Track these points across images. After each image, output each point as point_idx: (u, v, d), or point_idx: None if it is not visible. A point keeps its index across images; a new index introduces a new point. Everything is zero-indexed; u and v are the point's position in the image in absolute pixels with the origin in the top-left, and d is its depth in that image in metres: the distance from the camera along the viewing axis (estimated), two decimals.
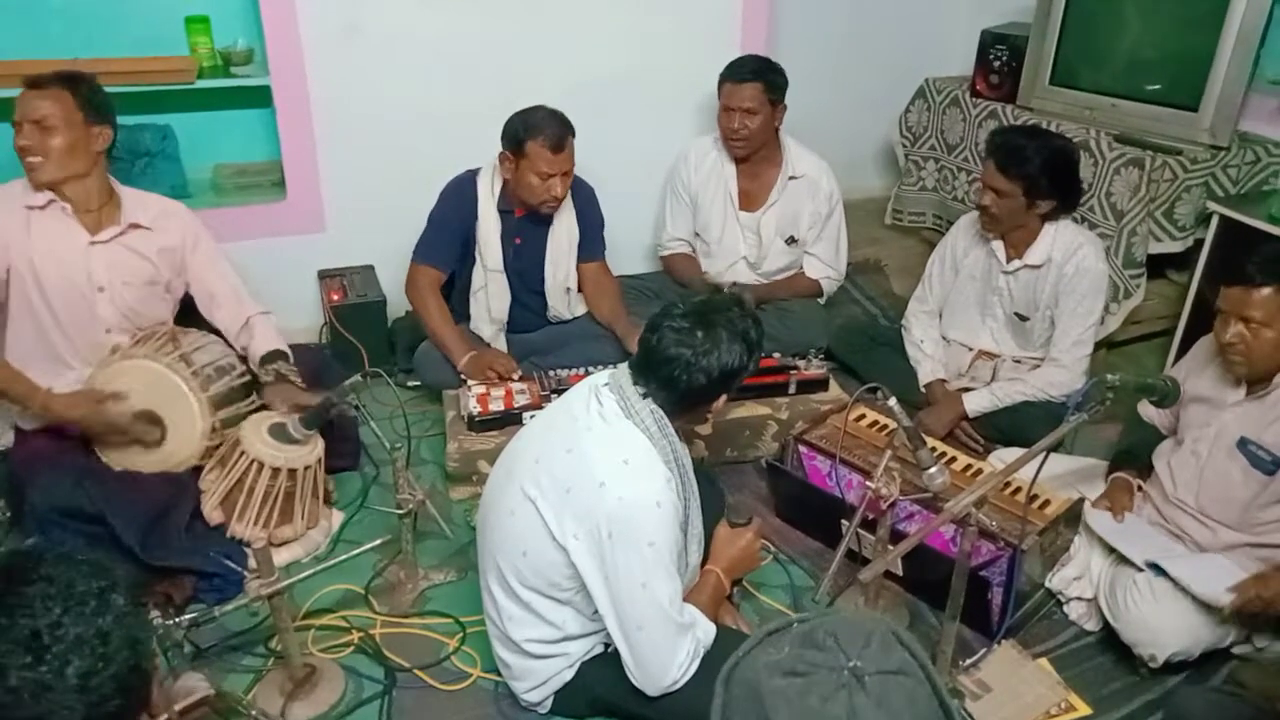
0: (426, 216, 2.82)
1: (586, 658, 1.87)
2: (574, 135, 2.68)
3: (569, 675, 1.88)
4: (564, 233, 2.87)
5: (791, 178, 3.13)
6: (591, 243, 2.96)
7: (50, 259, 2.29)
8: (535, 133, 2.61)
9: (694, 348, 1.72)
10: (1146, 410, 2.36)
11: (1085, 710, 1.99)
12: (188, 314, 2.56)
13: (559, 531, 1.72)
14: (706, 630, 1.79)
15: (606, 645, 1.86)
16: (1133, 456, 2.36)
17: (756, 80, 2.95)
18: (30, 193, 2.30)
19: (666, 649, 1.73)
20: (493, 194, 2.78)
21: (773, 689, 0.87)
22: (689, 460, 1.86)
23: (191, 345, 2.35)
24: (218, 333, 2.54)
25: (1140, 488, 2.30)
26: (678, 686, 1.75)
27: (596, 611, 1.77)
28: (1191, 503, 2.18)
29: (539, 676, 1.88)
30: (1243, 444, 2.08)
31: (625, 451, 1.72)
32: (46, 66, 2.35)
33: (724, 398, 1.82)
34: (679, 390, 1.75)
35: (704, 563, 1.96)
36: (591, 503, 1.69)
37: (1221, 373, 2.14)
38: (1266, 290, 1.94)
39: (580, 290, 3.04)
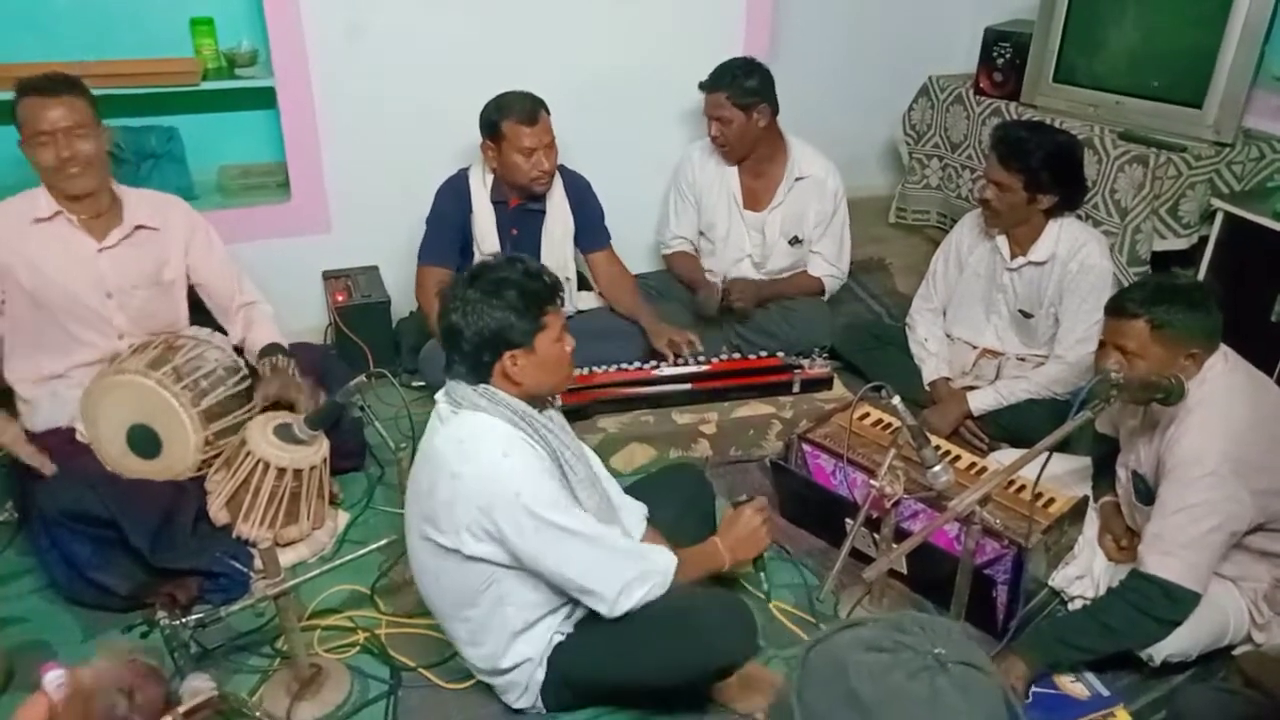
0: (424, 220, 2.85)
1: (548, 652, 1.88)
2: (547, 110, 2.71)
3: (541, 673, 1.89)
4: (558, 223, 2.88)
5: (798, 179, 3.13)
6: (594, 232, 2.98)
7: (58, 272, 2.28)
8: (507, 112, 2.67)
9: (462, 312, 1.73)
10: (1102, 424, 2.35)
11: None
12: (199, 306, 2.58)
13: (454, 541, 1.75)
14: (656, 552, 1.84)
15: (561, 633, 1.88)
16: (1106, 474, 2.35)
17: (719, 89, 2.97)
18: (35, 205, 2.27)
19: (593, 564, 1.75)
20: (485, 186, 2.81)
21: (857, 662, 0.88)
22: (555, 416, 1.88)
23: (186, 355, 2.32)
24: (219, 327, 2.55)
25: None
26: (633, 599, 1.77)
27: (530, 589, 1.80)
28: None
29: (519, 686, 1.90)
30: (1133, 475, 2.13)
31: (460, 434, 1.76)
32: (52, 69, 2.35)
33: (512, 355, 1.75)
34: (463, 354, 1.76)
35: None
36: (455, 494, 1.73)
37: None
38: (1139, 321, 1.95)
39: (595, 285, 3.06)
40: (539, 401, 1.85)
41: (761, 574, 2.06)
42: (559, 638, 1.88)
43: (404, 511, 1.96)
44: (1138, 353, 1.96)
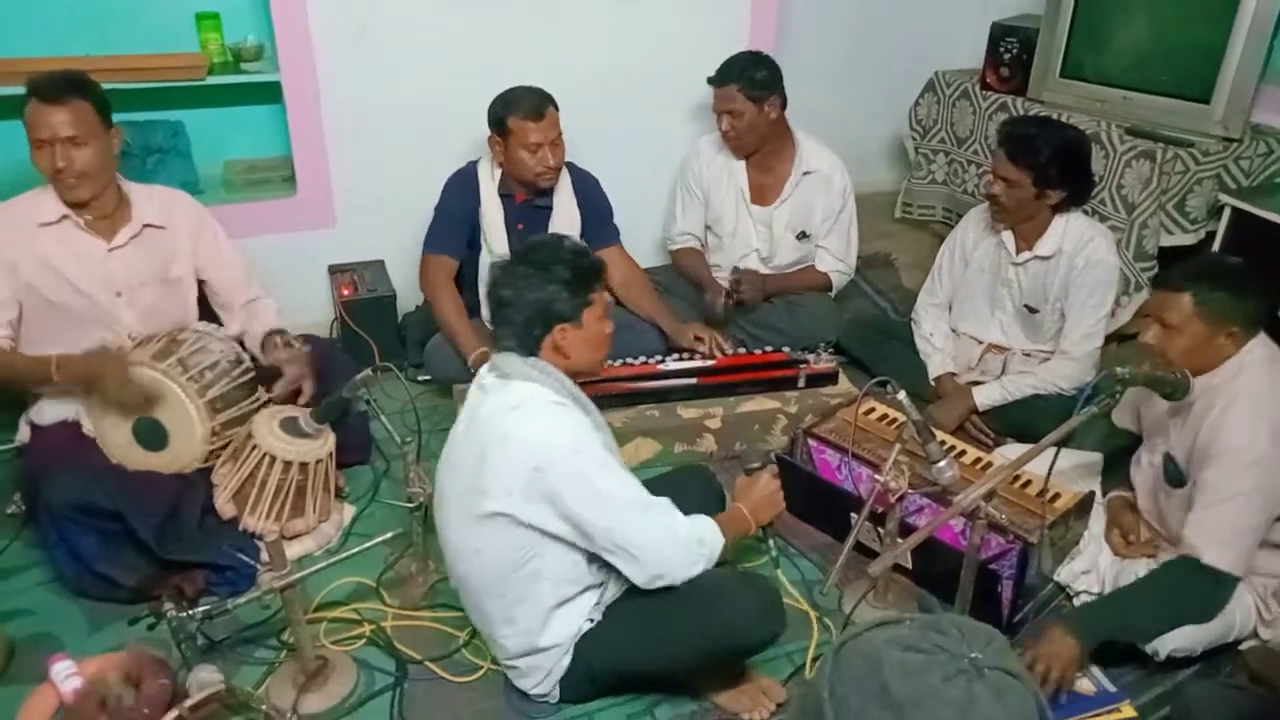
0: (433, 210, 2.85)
1: (578, 638, 1.89)
2: (555, 106, 2.71)
3: (566, 661, 1.90)
4: (564, 218, 2.88)
5: (806, 173, 3.13)
6: (602, 228, 2.98)
7: (69, 272, 2.28)
8: (513, 107, 2.67)
9: (514, 287, 1.80)
10: (1121, 418, 2.35)
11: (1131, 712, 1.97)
12: (207, 301, 2.58)
13: (501, 504, 1.76)
14: (703, 523, 1.84)
15: (591, 620, 1.89)
16: (1119, 468, 2.36)
17: (730, 82, 2.96)
18: (41, 208, 2.26)
19: (640, 533, 1.77)
20: (493, 179, 2.81)
21: (893, 660, 0.88)
22: (588, 401, 1.90)
23: (190, 348, 2.32)
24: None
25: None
26: (680, 570, 1.79)
27: (569, 565, 1.82)
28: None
29: (541, 670, 1.91)
30: (1166, 458, 2.12)
31: (510, 401, 1.79)
32: (57, 64, 2.34)
33: (562, 328, 1.81)
34: (514, 328, 1.81)
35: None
36: (507, 456, 1.75)
37: None
38: (1183, 295, 1.96)
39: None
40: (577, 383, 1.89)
41: (771, 541, 2.06)
42: (588, 625, 1.89)
43: (435, 496, 1.95)
44: (1178, 327, 1.97)
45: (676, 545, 1.79)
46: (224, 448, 2.32)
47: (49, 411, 2.35)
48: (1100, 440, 2.41)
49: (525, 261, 1.81)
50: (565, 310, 1.80)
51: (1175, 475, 2.10)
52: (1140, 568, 2.09)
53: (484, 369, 1.89)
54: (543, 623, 1.86)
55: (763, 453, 2.01)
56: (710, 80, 3.01)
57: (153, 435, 2.26)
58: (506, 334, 1.84)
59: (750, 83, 2.95)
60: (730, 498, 2.36)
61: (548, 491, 1.74)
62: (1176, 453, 2.10)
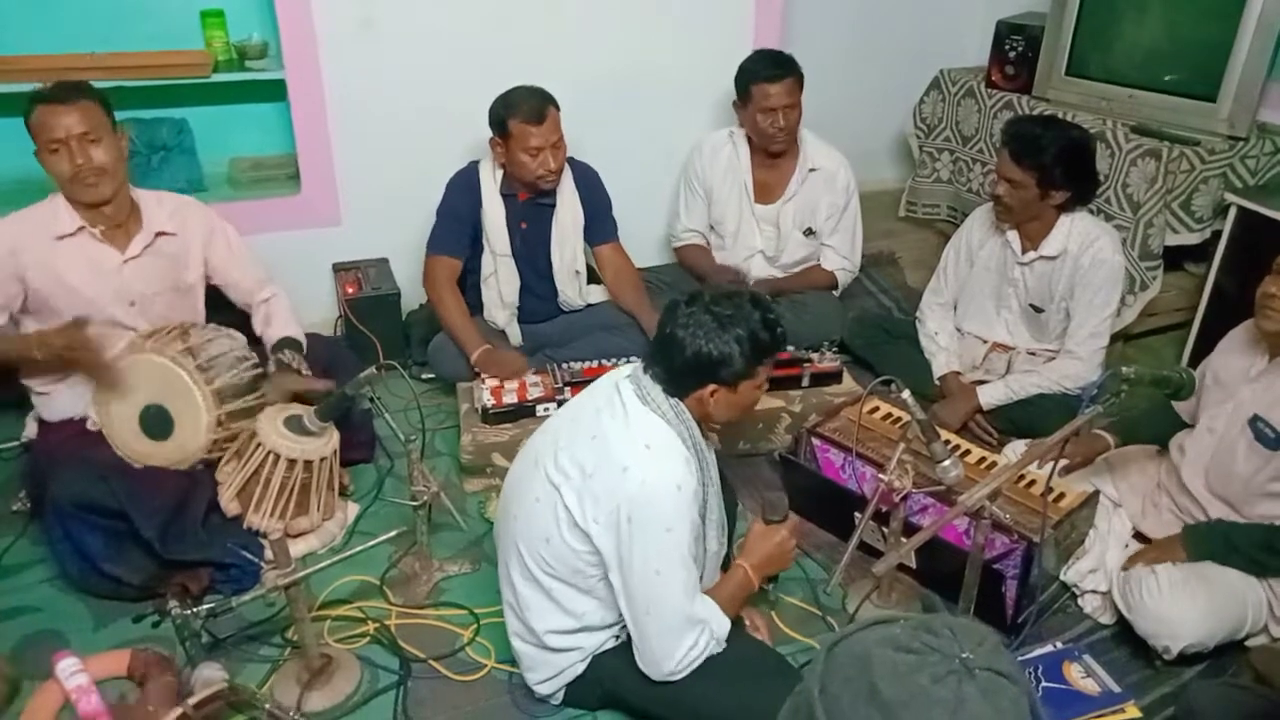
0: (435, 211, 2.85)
1: (599, 651, 1.88)
2: (556, 107, 2.70)
3: (581, 668, 1.88)
4: (568, 216, 2.88)
5: (811, 170, 3.12)
6: (601, 224, 2.98)
7: (83, 285, 2.28)
8: (514, 110, 2.65)
9: (688, 329, 1.71)
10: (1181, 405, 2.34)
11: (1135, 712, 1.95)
12: (215, 303, 2.59)
13: (581, 517, 1.73)
14: (720, 625, 1.79)
15: (617, 638, 1.87)
16: (1137, 426, 2.37)
17: (790, 75, 2.95)
18: (56, 220, 2.26)
19: (671, 638, 1.73)
20: (495, 180, 2.81)
21: (883, 660, 0.88)
22: (708, 448, 1.84)
23: (200, 339, 2.33)
24: (235, 322, 2.55)
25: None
26: (676, 677, 1.76)
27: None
28: (1199, 480, 2.18)
29: (553, 668, 1.89)
30: (1253, 420, 2.08)
31: (646, 436, 1.72)
32: (63, 62, 2.35)
33: (714, 389, 1.74)
34: (670, 367, 1.74)
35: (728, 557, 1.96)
36: (613, 486, 1.69)
37: (1247, 349, 2.13)
38: None
39: (600, 278, 3.05)
40: (703, 429, 1.83)
41: (771, 584, 2.05)
42: (612, 641, 1.88)
43: (530, 447, 1.89)
44: None
45: (686, 664, 1.75)
46: (229, 440, 2.32)
47: (56, 408, 2.36)
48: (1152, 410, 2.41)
49: (710, 310, 1.71)
50: (727, 376, 1.72)
51: (1271, 438, 2.05)
52: (1160, 569, 2.07)
53: (626, 376, 1.81)
54: (572, 630, 1.84)
55: (785, 505, 1.93)
56: (762, 78, 2.95)
57: (158, 423, 2.26)
58: (660, 367, 1.75)
59: (799, 75, 2.96)
60: (739, 499, 2.37)
61: (625, 535, 1.69)
62: (1270, 415, 2.05)
